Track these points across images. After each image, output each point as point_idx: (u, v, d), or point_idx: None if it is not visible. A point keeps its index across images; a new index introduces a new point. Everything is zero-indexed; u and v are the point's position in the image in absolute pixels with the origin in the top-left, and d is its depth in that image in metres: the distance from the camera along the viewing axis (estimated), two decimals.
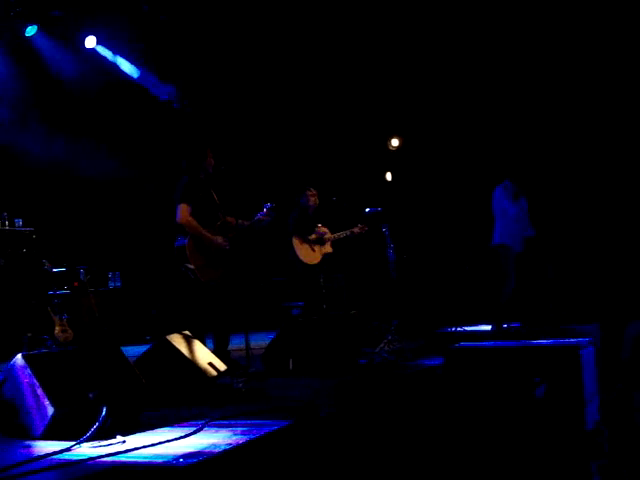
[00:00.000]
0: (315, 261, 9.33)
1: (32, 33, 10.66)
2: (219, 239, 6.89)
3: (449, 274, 12.11)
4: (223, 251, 6.96)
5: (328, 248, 9.54)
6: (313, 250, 9.34)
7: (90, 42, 11.30)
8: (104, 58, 11.76)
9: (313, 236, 9.40)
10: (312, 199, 9.53)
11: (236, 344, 8.75)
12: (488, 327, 9.48)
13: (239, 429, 4.07)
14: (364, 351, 7.15)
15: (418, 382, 5.95)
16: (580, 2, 10.67)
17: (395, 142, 13.19)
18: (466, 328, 9.59)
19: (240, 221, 7.24)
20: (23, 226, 10.24)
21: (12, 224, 10.11)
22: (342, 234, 9.69)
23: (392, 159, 13.27)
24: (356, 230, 9.71)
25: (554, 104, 11.56)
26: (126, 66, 12.03)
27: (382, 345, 7.55)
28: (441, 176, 12.86)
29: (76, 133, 11.43)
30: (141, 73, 12.23)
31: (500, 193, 9.29)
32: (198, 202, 6.93)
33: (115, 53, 11.87)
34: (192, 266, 6.73)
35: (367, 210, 9.35)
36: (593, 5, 10.57)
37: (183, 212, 6.79)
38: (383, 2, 11.53)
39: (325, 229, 9.59)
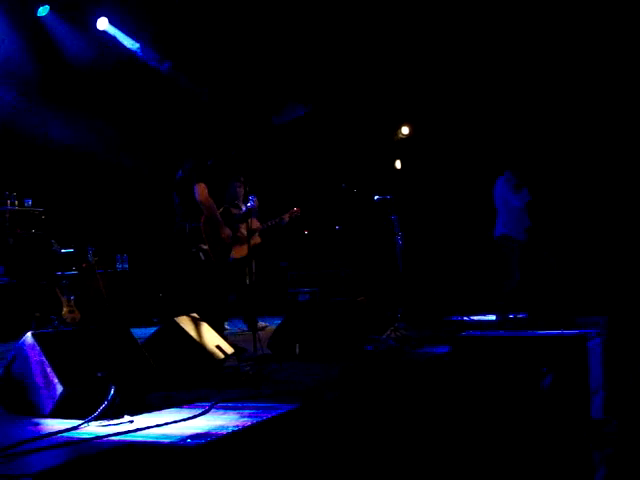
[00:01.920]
0: (242, 254, 9.11)
1: (44, 13, 10.66)
2: (227, 230, 6.98)
3: (456, 263, 12.12)
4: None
5: (257, 239, 9.31)
6: (241, 244, 8.99)
7: (102, 24, 11.29)
8: (115, 39, 11.75)
9: (242, 231, 9.13)
10: (240, 190, 9.22)
11: (243, 328, 8.82)
12: (493, 317, 9.51)
13: (246, 412, 4.09)
14: (370, 338, 7.17)
15: (424, 369, 5.97)
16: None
17: (405, 130, 13.17)
18: (472, 317, 9.62)
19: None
20: (32, 206, 10.30)
21: (21, 204, 10.17)
22: (271, 222, 9.42)
23: (402, 147, 13.26)
24: (286, 217, 9.37)
25: (557, 96, 11.55)
26: (135, 46, 12.01)
27: (388, 332, 7.58)
28: (450, 165, 12.86)
29: (87, 114, 11.45)
30: (151, 55, 12.23)
31: (502, 184, 9.30)
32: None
33: (126, 34, 11.86)
34: (206, 246, 6.79)
35: (376, 197, 9.35)
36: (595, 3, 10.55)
37: (202, 190, 6.85)
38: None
39: (254, 220, 9.34)
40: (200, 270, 6.92)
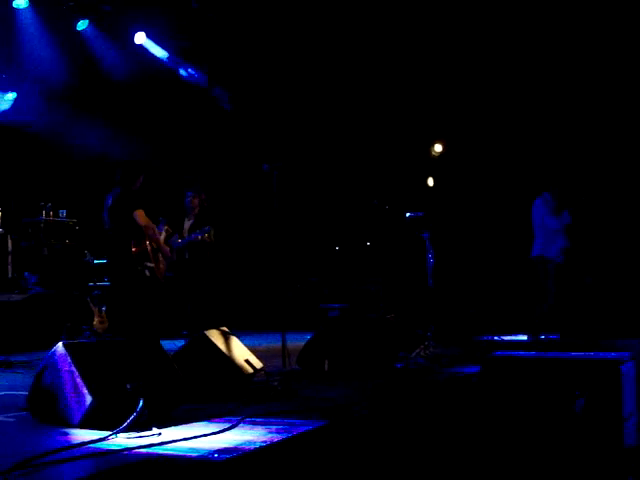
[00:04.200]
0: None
1: (83, 27, 10.82)
2: (167, 248, 7.38)
3: (488, 281, 12.02)
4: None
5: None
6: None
7: (139, 38, 11.43)
8: (151, 53, 11.88)
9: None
10: (194, 201, 9.56)
11: (273, 343, 8.82)
12: (525, 337, 9.40)
13: (274, 427, 4.07)
14: (400, 355, 7.12)
15: (453, 389, 5.91)
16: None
17: (438, 148, 13.13)
18: (503, 337, 9.51)
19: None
20: (67, 217, 10.40)
21: (56, 215, 10.28)
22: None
23: (434, 164, 13.21)
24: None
25: (599, 115, 11.44)
26: (165, 55, 12.13)
27: (418, 350, 7.51)
28: (483, 183, 12.78)
29: (122, 126, 11.56)
30: (187, 69, 12.36)
31: (540, 205, 9.20)
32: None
33: (162, 48, 11.99)
34: (152, 264, 7.10)
35: (408, 215, 9.30)
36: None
37: (143, 216, 7.23)
38: (426, 12, 11.53)
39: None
40: (146, 286, 7.29)
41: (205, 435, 3.88)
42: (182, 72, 12.24)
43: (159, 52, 11.93)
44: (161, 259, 7.45)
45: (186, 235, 9.46)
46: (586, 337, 8.70)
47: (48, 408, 4.27)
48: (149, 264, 7.23)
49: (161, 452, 3.57)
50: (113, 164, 11.30)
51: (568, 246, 9.20)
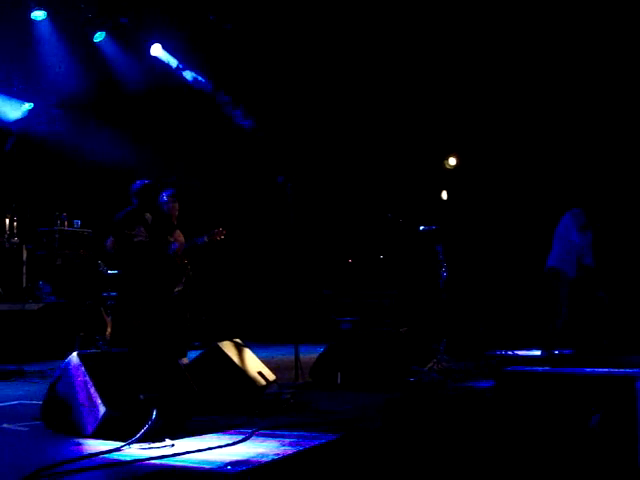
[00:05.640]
0: None
1: (100, 39, 10.90)
2: None
3: (501, 295, 11.97)
4: None
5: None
6: None
7: (156, 50, 11.50)
8: (166, 65, 11.95)
9: None
10: (174, 206, 8.59)
11: (286, 355, 8.81)
12: (538, 352, 9.36)
13: (287, 440, 4.07)
14: (413, 369, 7.10)
15: (467, 404, 5.88)
16: None
17: (452, 161, 13.11)
18: (517, 352, 9.47)
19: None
20: (81, 227, 10.46)
21: (71, 225, 10.33)
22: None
23: (449, 178, 13.20)
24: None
25: (616, 130, 11.39)
26: (188, 74, 12.22)
27: (431, 364, 7.50)
28: (497, 196, 12.75)
29: (137, 137, 11.61)
30: (202, 81, 12.42)
31: (569, 219, 9.19)
32: None
33: (178, 61, 12.06)
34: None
35: (421, 228, 9.29)
36: None
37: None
38: (440, 26, 11.55)
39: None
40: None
41: (218, 447, 3.89)
42: (189, 77, 12.28)
43: (175, 63, 12.00)
44: None
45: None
46: (601, 353, 8.65)
47: (62, 418, 4.28)
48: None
49: (174, 464, 3.58)
50: (130, 175, 11.44)
51: (590, 265, 9.17)
